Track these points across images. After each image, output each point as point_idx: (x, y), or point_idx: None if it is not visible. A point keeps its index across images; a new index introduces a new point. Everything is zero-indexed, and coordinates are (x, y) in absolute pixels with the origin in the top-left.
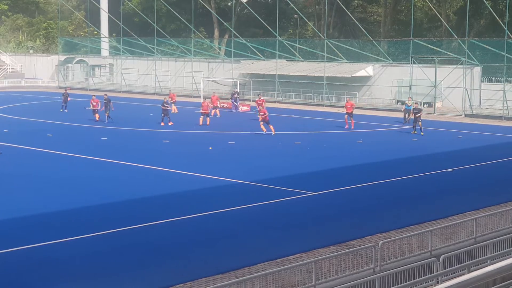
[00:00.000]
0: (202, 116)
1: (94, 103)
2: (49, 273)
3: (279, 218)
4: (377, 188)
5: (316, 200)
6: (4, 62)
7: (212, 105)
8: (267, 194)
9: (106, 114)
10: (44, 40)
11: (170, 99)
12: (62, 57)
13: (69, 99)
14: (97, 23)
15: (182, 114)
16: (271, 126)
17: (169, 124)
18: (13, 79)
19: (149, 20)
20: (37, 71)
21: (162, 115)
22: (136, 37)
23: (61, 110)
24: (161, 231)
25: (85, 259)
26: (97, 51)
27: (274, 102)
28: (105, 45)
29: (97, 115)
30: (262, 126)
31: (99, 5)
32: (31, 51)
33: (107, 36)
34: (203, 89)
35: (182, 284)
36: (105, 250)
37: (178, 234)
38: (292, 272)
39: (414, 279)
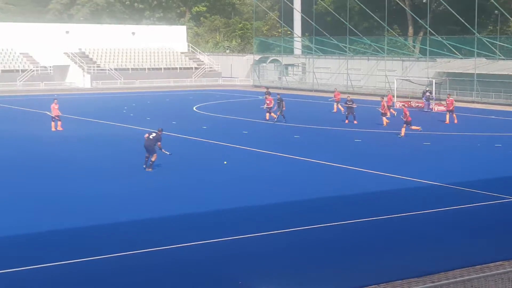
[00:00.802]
0: (384, 117)
1: (268, 102)
2: (245, 266)
3: (478, 223)
4: None
5: None
6: (202, 61)
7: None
8: (464, 197)
9: (278, 113)
10: (239, 40)
11: (387, 101)
12: (257, 57)
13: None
14: (290, 23)
15: (372, 113)
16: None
17: (354, 122)
18: (211, 78)
19: (341, 19)
20: (233, 70)
21: (347, 113)
22: (328, 36)
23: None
24: (353, 231)
25: (274, 254)
26: (290, 51)
27: (472, 102)
28: (297, 44)
29: (269, 114)
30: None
31: (292, 5)
32: (227, 51)
33: (300, 35)
34: (396, 88)
35: (376, 285)
36: (292, 247)
37: (371, 235)
38: (492, 280)
39: None
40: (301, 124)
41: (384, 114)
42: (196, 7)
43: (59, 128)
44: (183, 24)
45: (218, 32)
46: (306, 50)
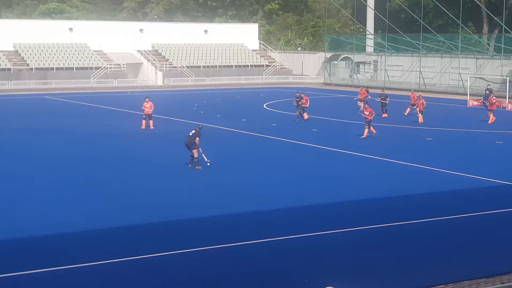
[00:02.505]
0: (419, 114)
1: (304, 100)
2: (312, 264)
3: None
4: None
5: None
6: (274, 59)
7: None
8: None
9: (298, 113)
10: (311, 38)
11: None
12: (328, 54)
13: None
14: (363, 20)
15: (444, 112)
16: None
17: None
18: (282, 76)
19: (415, 16)
20: (304, 68)
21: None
22: (402, 33)
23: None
24: (421, 230)
25: (342, 253)
26: (362, 48)
27: None
28: (370, 42)
29: (302, 114)
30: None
31: (366, 2)
32: (299, 48)
33: (373, 33)
34: (469, 86)
35: (443, 285)
36: (360, 245)
37: (440, 234)
38: None
39: None
40: (374, 122)
41: (421, 112)
42: (269, 5)
43: (151, 127)
44: (256, 22)
45: (290, 30)
46: (379, 47)
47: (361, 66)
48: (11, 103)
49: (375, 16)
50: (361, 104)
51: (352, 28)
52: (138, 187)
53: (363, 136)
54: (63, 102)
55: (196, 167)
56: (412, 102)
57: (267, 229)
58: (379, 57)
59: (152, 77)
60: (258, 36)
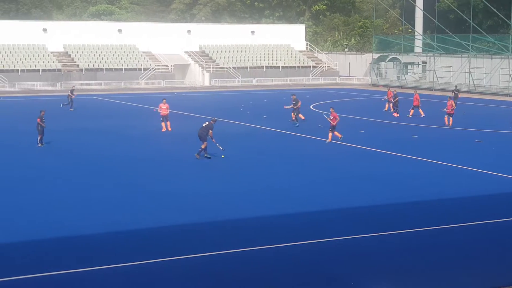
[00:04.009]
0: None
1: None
2: (358, 266)
3: None
4: None
5: None
6: (320, 60)
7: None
8: None
9: (293, 114)
10: (359, 39)
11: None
12: (376, 55)
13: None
14: (411, 20)
15: (496, 113)
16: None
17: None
18: (329, 77)
19: (464, 17)
20: (351, 69)
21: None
22: (451, 34)
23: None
24: (469, 233)
25: (388, 255)
26: (410, 49)
27: None
28: (418, 42)
29: (297, 116)
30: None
31: (414, 2)
32: (346, 49)
33: (421, 33)
34: None
35: None
36: (406, 248)
37: (486, 237)
38: None
39: None
40: (419, 123)
41: (450, 115)
42: (316, 6)
43: (169, 128)
44: (302, 23)
45: (337, 31)
46: (427, 48)
47: (409, 67)
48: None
49: (424, 16)
50: (388, 105)
51: (400, 28)
52: (183, 187)
53: (327, 141)
54: (111, 103)
55: (203, 155)
56: (414, 104)
57: (313, 231)
58: (428, 58)
59: (199, 78)
60: (305, 37)
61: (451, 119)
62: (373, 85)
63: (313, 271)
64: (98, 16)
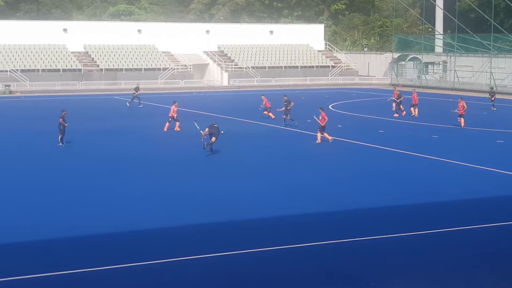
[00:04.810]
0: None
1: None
2: (377, 267)
3: None
4: None
5: None
6: (339, 60)
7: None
8: None
9: (284, 117)
10: (378, 38)
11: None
12: (396, 55)
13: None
14: (431, 20)
15: None
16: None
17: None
18: (348, 76)
19: (486, 16)
20: (370, 68)
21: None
22: (472, 33)
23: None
24: (490, 234)
25: (408, 256)
26: (430, 48)
27: None
28: (439, 42)
29: (288, 117)
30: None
31: (435, 2)
32: (365, 49)
33: (442, 33)
34: None
35: None
36: (426, 249)
37: (508, 238)
38: None
39: None
40: (440, 123)
41: (461, 116)
42: (335, 5)
43: (177, 128)
44: (321, 22)
45: (356, 30)
46: (448, 48)
47: (429, 66)
48: (82, 103)
49: (444, 15)
50: (394, 105)
51: (420, 28)
52: (199, 187)
53: (317, 141)
54: (132, 103)
55: (210, 151)
56: (413, 103)
57: (333, 231)
58: (449, 57)
59: (217, 77)
60: (324, 36)
61: (462, 119)
62: (393, 85)
63: (332, 271)
64: (118, 16)
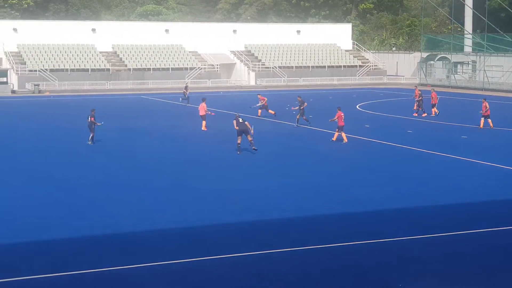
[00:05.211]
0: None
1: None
2: (406, 268)
3: None
4: None
5: None
6: (367, 59)
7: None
8: None
9: (297, 117)
10: (407, 37)
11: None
12: (424, 54)
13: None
14: (461, 19)
15: None
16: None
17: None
18: (375, 76)
19: None
20: (398, 68)
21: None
22: (502, 33)
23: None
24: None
25: (437, 258)
26: (459, 48)
27: None
28: (468, 41)
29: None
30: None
31: (464, 1)
32: (393, 48)
33: (471, 32)
34: None
35: None
36: (456, 251)
37: None
38: None
39: None
40: (469, 124)
41: (487, 116)
42: (363, 4)
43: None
44: (349, 22)
45: (384, 29)
46: (477, 47)
47: (458, 66)
48: (110, 102)
49: (474, 15)
50: (416, 104)
51: (449, 27)
52: (228, 186)
53: (333, 139)
54: (159, 102)
55: (253, 148)
56: (432, 102)
57: (359, 231)
58: (478, 57)
59: (245, 77)
60: (352, 36)
61: (482, 120)
62: (422, 84)
63: (360, 272)
64: (145, 16)
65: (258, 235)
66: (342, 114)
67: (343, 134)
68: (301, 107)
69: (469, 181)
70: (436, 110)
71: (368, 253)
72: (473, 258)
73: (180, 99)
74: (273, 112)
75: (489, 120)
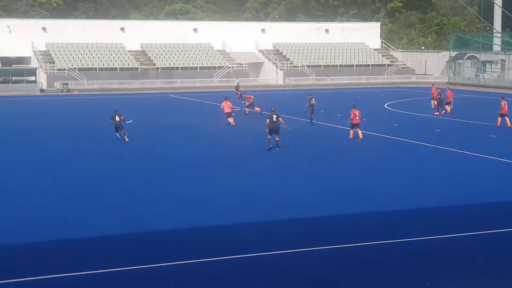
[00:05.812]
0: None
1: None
2: (434, 268)
3: None
4: None
5: None
6: (396, 58)
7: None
8: None
9: (309, 115)
10: (435, 36)
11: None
12: (453, 53)
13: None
14: (490, 18)
15: None
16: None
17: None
18: (404, 75)
19: None
20: (427, 67)
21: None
22: None
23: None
24: None
25: (464, 258)
26: (488, 47)
27: None
28: (497, 40)
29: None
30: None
31: (493, 0)
32: (422, 47)
33: (500, 31)
34: None
35: None
36: (485, 250)
37: None
38: None
39: None
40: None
41: (504, 115)
42: (391, 3)
43: (232, 123)
44: (378, 21)
45: (413, 28)
46: (506, 46)
47: (487, 65)
48: (139, 101)
49: (503, 13)
50: (433, 103)
51: (478, 26)
52: (255, 185)
53: (350, 137)
54: (187, 101)
55: (276, 146)
56: (448, 101)
57: (385, 231)
58: (507, 56)
59: (273, 76)
60: (380, 35)
61: (499, 119)
62: (450, 83)
63: (386, 272)
64: (174, 15)
65: (284, 234)
66: (357, 112)
67: (359, 131)
68: (308, 105)
69: (495, 180)
70: (449, 108)
71: (395, 252)
72: (499, 257)
73: (237, 100)
74: (259, 109)
75: (507, 118)
